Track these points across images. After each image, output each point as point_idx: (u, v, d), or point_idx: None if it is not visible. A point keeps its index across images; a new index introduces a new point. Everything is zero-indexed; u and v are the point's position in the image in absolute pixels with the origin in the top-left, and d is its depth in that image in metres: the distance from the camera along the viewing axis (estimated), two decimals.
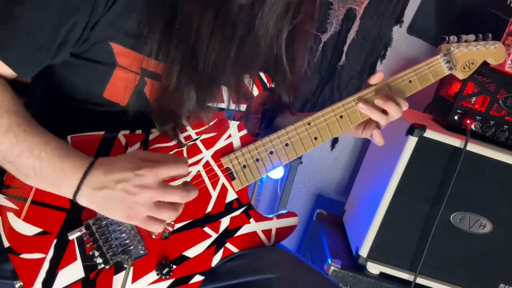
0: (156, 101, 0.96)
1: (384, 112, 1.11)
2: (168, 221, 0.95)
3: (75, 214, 0.94)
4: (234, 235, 1.06)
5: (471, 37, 1.19)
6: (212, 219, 1.05)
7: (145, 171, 0.84)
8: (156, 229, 0.87)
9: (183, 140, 1.00)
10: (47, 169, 0.86)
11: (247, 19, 0.94)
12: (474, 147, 1.51)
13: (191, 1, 0.91)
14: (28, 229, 0.92)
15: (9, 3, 0.85)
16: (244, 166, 1.06)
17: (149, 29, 0.91)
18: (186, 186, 0.87)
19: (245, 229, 1.07)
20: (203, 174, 1.03)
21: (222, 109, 1.03)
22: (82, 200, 0.87)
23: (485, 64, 1.23)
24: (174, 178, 0.92)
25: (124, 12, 0.90)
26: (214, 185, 1.04)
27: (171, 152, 1.00)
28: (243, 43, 0.96)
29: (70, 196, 0.87)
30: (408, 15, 2.03)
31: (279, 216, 1.11)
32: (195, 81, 0.93)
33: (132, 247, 0.97)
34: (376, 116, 1.10)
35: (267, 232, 1.10)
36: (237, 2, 0.93)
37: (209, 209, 1.04)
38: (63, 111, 1.00)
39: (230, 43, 0.94)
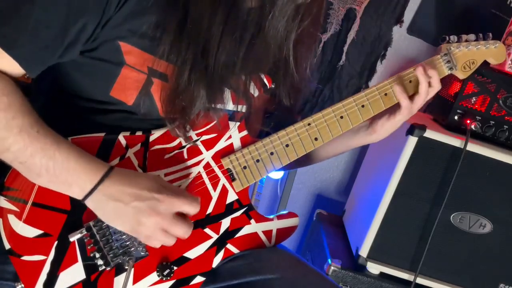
0: (167, 100, 0.96)
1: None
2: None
3: (76, 215, 0.94)
4: (235, 236, 1.07)
5: (472, 36, 1.18)
6: (213, 220, 1.05)
7: (164, 198, 0.88)
8: (155, 245, 0.93)
9: (195, 137, 1.00)
10: (61, 168, 0.87)
11: (257, 20, 0.95)
12: (474, 147, 1.51)
13: (202, 2, 0.91)
14: (29, 231, 0.92)
15: (19, 1, 0.85)
16: (245, 167, 1.06)
17: (163, 30, 0.91)
18: (190, 223, 0.93)
19: (245, 230, 1.08)
20: (204, 175, 1.03)
21: (222, 110, 1.03)
22: (90, 204, 0.88)
23: (485, 64, 1.23)
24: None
25: (135, 12, 0.90)
26: (214, 186, 1.04)
27: (171, 154, 1.01)
28: (253, 44, 0.96)
29: (80, 197, 0.88)
30: (408, 15, 2.02)
31: (279, 217, 1.11)
32: (205, 81, 0.94)
33: (133, 248, 0.97)
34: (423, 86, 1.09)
35: (267, 233, 1.10)
36: (247, 3, 0.94)
37: (209, 210, 1.04)
38: (66, 109, 1.00)
39: (240, 43, 0.95)
